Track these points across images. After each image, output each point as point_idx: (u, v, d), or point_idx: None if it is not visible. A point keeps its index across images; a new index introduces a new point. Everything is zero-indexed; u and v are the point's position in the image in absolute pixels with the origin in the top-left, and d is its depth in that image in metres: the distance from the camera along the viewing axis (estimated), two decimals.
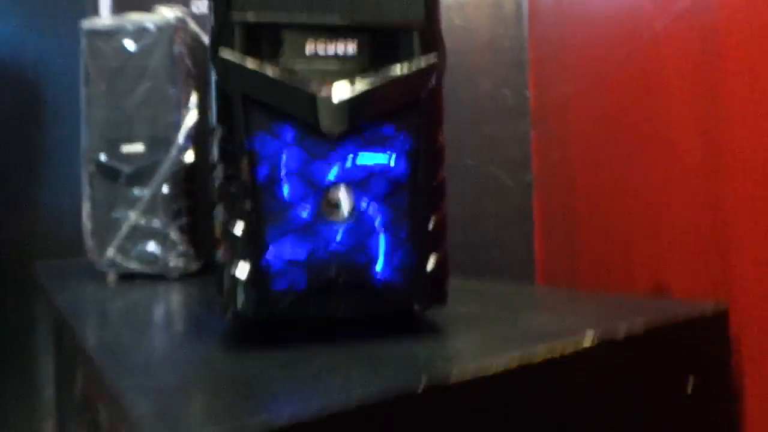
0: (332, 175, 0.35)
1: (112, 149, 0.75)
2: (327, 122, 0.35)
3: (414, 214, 0.37)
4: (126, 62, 0.75)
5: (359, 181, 0.36)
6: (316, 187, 0.35)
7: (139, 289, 0.71)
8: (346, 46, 0.36)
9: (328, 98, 0.35)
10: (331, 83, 0.35)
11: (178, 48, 0.73)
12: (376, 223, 0.36)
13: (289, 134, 0.35)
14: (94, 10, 1.10)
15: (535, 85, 0.94)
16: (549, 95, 0.90)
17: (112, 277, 0.73)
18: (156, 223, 0.73)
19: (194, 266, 0.74)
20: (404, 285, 0.36)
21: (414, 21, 0.38)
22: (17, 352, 1.08)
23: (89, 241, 0.76)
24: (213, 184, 0.36)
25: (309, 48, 0.35)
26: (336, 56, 0.36)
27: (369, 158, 0.36)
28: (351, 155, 0.36)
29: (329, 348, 0.35)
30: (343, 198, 0.36)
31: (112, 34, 0.75)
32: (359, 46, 0.36)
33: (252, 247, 0.34)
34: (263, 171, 0.35)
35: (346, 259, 0.35)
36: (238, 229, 0.34)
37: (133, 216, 0.73)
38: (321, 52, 0.35)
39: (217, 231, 0.36)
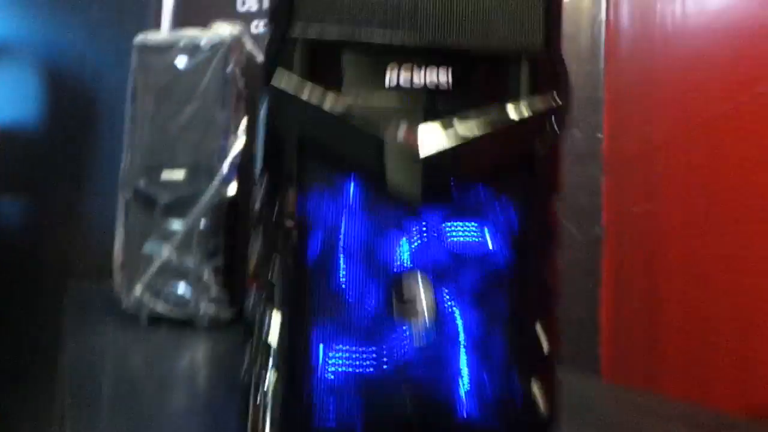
0: (406, 256, 0.25)
1: (152, 175, 0.67)
2: (402, 180, 0.25)
3: (515, 322, 0.26)
4: (175, 80, 0.68)
5: (442, 269, 0.25)
6: (383, 273, 0.25)
7: (162, 337, 0.63)
8: (437, 75, 0.26)
9: (406, 147, 0.25)
10: (412, 126, 0.25)
11: (231, 68, 0.66)
12: (462, 333, 0.25)
13: (352, 194, 0.25)
14: (157, 25, 1.06)
15: (611, 127, 0.82)
16: (627, 139, 0.78)
17: (141, 320, 0.65)
18: (189, 261, 0.64)
19: (227, 314, 0.65)
20: (496, 425, 0.25)
21: (529, 46, 0.27)
22: (40, 371, 1.03)
23: (118, 276, 0.68)
24: (250, 256, 0.26)
25: (389, 76, 0.25)
26: (423, 90, 0.26)
27: (459, 235, 0.25)
28: (434, 230, 0.25)
29: None
30: (420, 292, 0.25)
31: (163, 50, 0.68)
32: (454, 78, 0.26)
33: (287, 358, 0.24)
34: (315, 243, 0.25)
35: (418, 384, 0.24)
36: (271, 327, 0.24)
37: (165, 251, 0.65)
38: (404, 83, 0.25)
39: (248, 319, 0.26)
